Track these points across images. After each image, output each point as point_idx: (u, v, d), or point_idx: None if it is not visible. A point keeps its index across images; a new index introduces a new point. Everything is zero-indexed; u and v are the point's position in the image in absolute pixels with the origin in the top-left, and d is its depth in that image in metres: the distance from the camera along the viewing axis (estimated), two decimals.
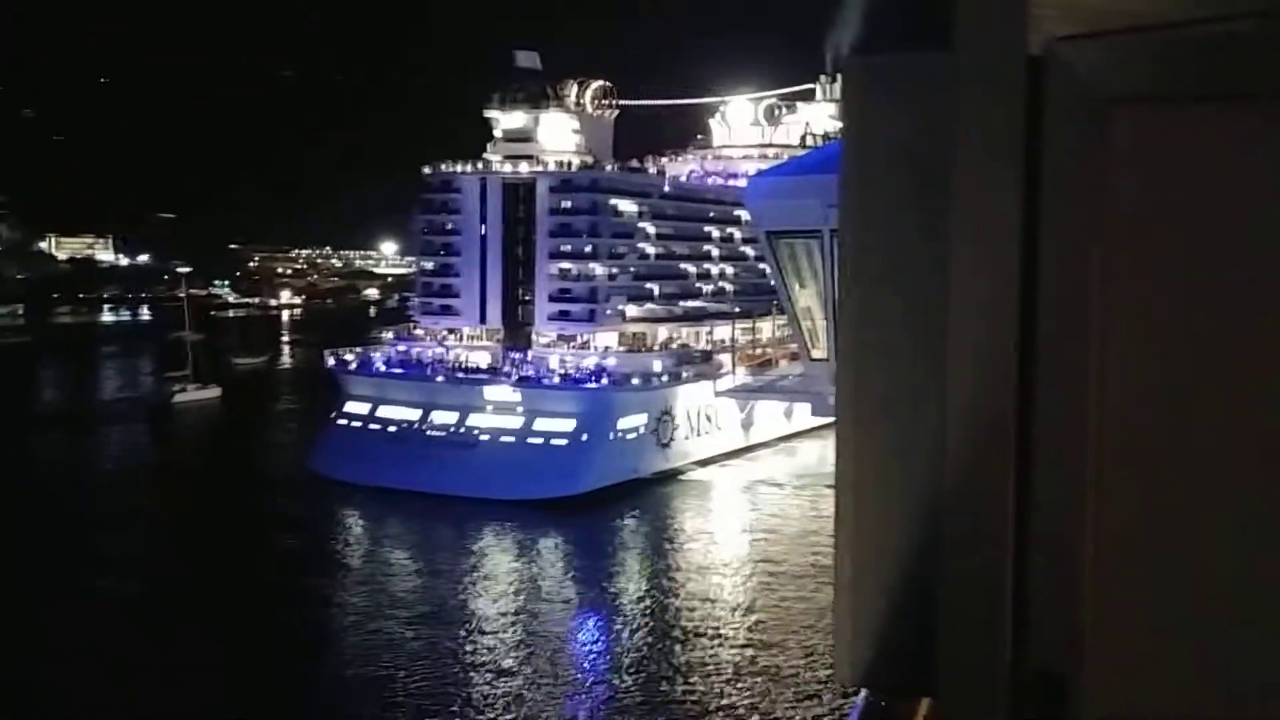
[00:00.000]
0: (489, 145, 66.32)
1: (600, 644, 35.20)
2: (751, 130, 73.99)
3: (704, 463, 59.90)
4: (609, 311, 61.48)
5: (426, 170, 65.22)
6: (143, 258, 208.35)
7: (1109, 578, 1.73)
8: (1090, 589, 1.74)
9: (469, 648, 33.84)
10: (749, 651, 33.53)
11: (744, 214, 61.07)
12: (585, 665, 33.24)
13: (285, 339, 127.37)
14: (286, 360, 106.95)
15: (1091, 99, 1.75)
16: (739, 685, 30.82)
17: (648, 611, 37.73)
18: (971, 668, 1.75)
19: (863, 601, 1.86)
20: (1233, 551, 1.70)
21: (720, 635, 34.68)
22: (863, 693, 2.08)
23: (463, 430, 55.47)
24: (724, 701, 30.06)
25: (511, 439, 54.61)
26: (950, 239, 1.75)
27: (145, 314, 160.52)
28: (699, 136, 77.55)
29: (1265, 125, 1.72)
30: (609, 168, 65.20)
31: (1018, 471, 1.74)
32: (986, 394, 1.74)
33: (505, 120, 66.43)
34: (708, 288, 68.17)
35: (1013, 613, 1.75)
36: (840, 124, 1.93)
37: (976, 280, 1.74)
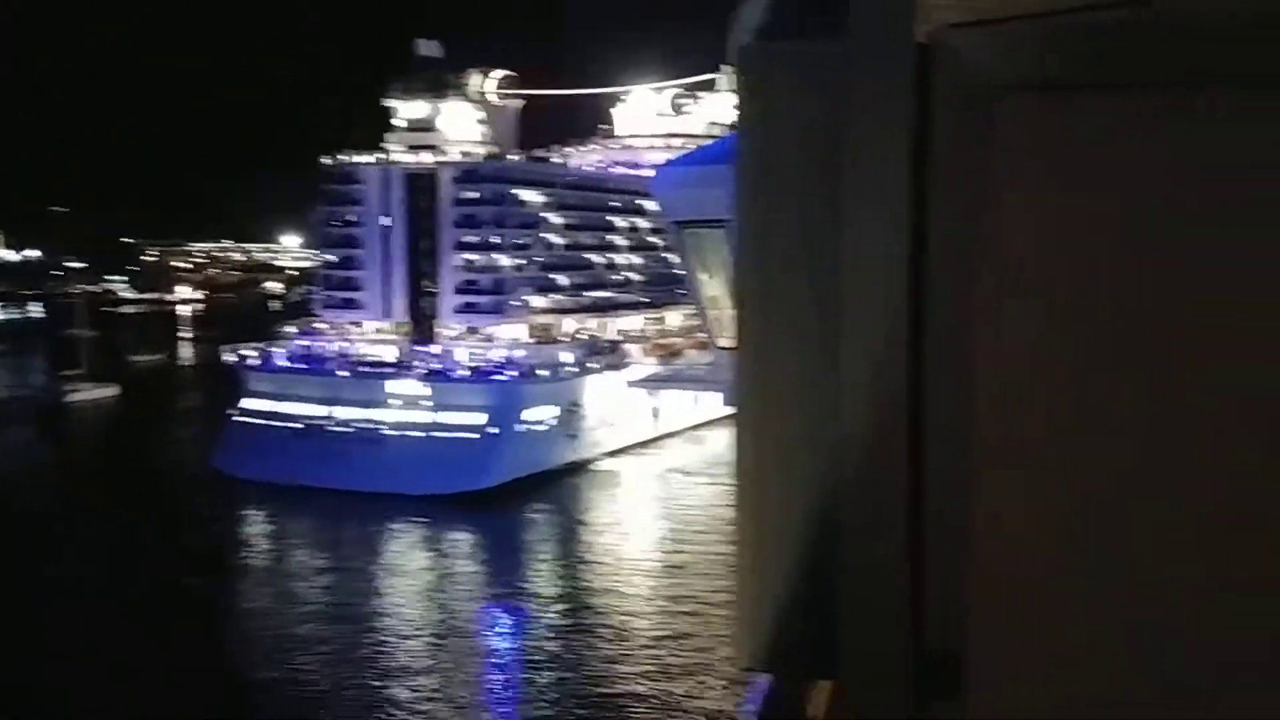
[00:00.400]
0: (390, 135, 65.34)
1: (510, 640, 35.02)
2: (657, 120, 74.20)
3: (614, 453, 60.04)
4: (515, 303, 61.16)
5: (326, 161, 64.00)
6: (33, 253, 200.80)
7: (997, 561, 1.77)
8: (980, 573, 1.77)
9: (377, 647, 33.41)
10: (663, 644, 33.71)
11: (650, 204, 61.29)
12: (495, 662, 33.03)
13: (185, 335, 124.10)
14: (186, 357, 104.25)
15: (979, 87, 1.78)
16: (651, 677, 30.95)
17: (559, 606, 37.69)
18: (871, 650, 1.77)
19: (763, 587, 1.87)
20: (1117, 537, 1.74)
21: (632, 628, 34.78)
22: (765, 677, 2.10)
23: (369, 425, 54.74)
24: (637, 693, 30.17)
25: (419, 433, 54.08)
26: (843, 228, 1.77)
27: (36, 311, 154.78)
28: (603, 126, 77.57)
29: (1150, 113, 1.76)
30: (514, 158, 64.82)
31: (911, 457, 1.76)
32: (880, 382, 1.76)
33: (406, 110, 65.51)
34: (615, 278, 68.26)
35: (911, 595, 1.77)
36: (738, 112, 1.93)
37: (868, 270, 1.75)
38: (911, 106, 1.73)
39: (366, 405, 55.38)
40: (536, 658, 32.98)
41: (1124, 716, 1.70)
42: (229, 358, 61.30)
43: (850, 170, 1.76)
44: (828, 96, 1.83)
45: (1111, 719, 1.71)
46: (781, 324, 1.86)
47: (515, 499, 50.33)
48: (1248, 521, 1.63)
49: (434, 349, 59.80)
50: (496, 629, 36.01)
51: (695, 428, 62.63)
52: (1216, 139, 1.73)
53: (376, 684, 30.81)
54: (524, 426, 55.19)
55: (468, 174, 61.51)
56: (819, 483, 1.83)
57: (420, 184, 61.91)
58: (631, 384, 58.51)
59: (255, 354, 61.06)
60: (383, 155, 63.94)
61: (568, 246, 65.04)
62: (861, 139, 1.76)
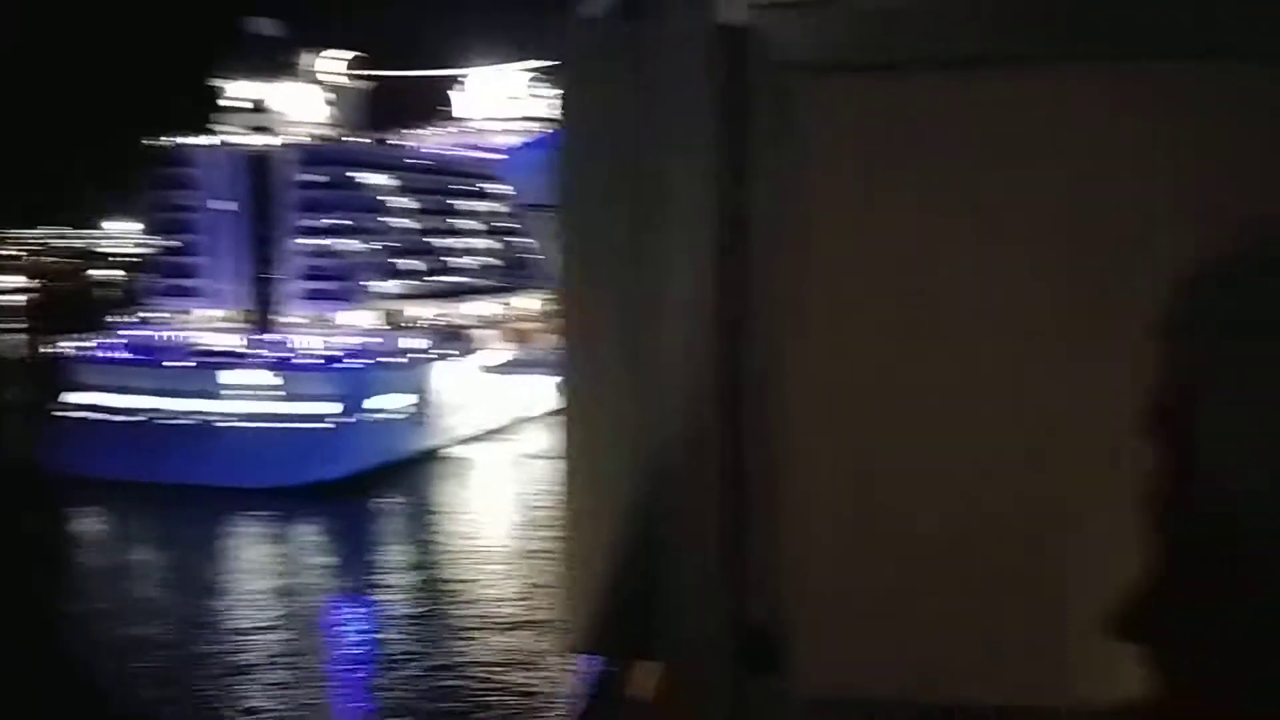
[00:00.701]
0: (228, 116, 62.92)
1: (361, 634, 34.30)
2: (509, 103, 73.48)
3: (468, 440, 59.47)
4: (363, 289, 59.86)
5: (158, 143, 61.26)
6: None
7: (817, 538, 1.80)
8: (800, 550, 1.80)
9: (220, 647, 32.30)
10: (518, 632, 33.54)
11: (502, 187, 60.67)
12: (344, 656, 32.29)
13: (17, 326, 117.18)
14: (18, 348, 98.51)
15: (786, 68, 1.80)
16: (507, 665, 30.75)
17: (411, 596, 37.12)
18: (691, 629, 1.78)
19: (590, 570, 1.86)
20: (930, 518, 1.79)
21: (487, 616, 34.50)
22: (593, 659, 2.09)
23: (210, 417, 52.78)
24: (495, 682, 29.96)
25: (265, 424, 52.40)
26: (660, 208, 1.77)
27: None
28: (451, 109, 76.42)
29: (952, 92, 1.81)
30: (359, 140, 63.30)
31: (728, 440, 1.78)
32: (696, 369, 1.77)
33: (245, 90, 63.20)
34: (467, 263, 67.47)
35: (730, 575, 1.79)
36: (560, 98, 1.91)
37: (681, 253, 1.75)
38: (720, 91, 1.74)
39: (208, 396, 53.39)
40: (388, 650, 32.44)
41: (940, 688, 1.76)
42: (60, 348, 58.18)
43: (665, 157, 1.76)
44: (645, 81, 1.82)
45: (930, 690, 1.76)
46: (605, 312, 1.85)
47: (366, 489, 49.33)
48: (1046, 510, 1.70)
49: (279, 337, 58.04)
50: (346, 623, 35.24)
51: (551, 413, 61.97)
52: (1019, 118, 1.79)
53: (218, 685, 29.79)
54: (373, 415, 54.11)
55: (311, 156, 59.75)
56: (641, 468, 1.83)
57: (261, 167, 59.87)
58: (484, 369, 57.94)
59: (88, 344, 58.13)
60: (220, 137, 61.59)
61: (417, 231, 63.94)
62: (673, 125, 1.75)
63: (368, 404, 53.57)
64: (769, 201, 1.77)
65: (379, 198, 61.51)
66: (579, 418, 1.88)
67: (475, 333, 63.17)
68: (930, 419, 1.79)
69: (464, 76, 75.34)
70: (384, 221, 61.56)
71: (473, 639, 33.15)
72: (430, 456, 55.30)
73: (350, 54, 66.61)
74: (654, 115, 1.77)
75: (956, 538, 1.76)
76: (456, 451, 56.69)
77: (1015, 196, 1.78)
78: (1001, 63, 1.80)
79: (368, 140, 64.59)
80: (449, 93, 76.35)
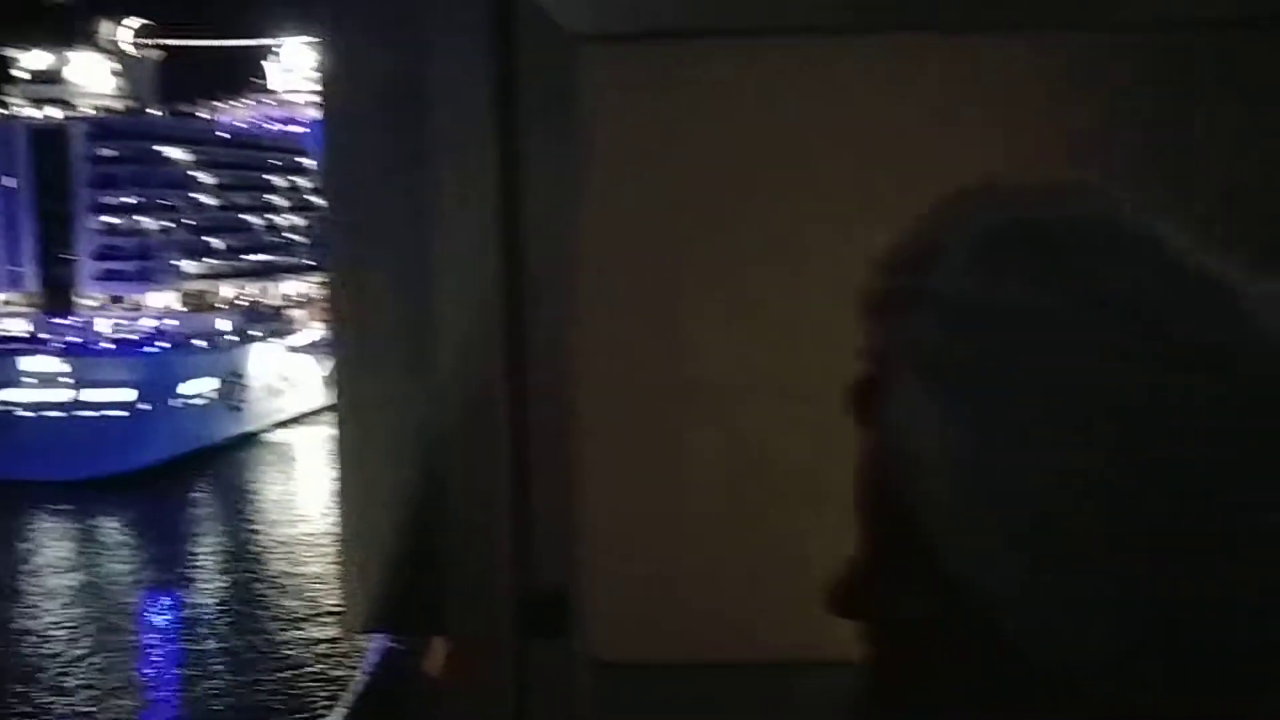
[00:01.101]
0: (9, 88, 58.71)
1: (170, 631, 32.77)
2: (314, 75, 70.93)
3: (285, 424, 57.44)
4: (165, 269, 57.03)
5: None
6: None
7: (603, 503, 1.82)
8: (587, 515, 1.81)
9: (16, 653, 30.36)
10: (334, 622, 32.59)
11: (311, 162, 58.71)
12: (152, 658, 30.79)
13: None
14: None
15: (564, 35, 1.79)
16: (324, 658, 29.88)
17: (224, 591, 35.66)
18: (475, 598, 1.77)
19: (369, 547, 1.82)
20: (717, 482, 1.83)
21: (303, 609, 33.40)
22: (379, 638, 2.06)
23: (10, 406, 49.37)
24: (312, 673, 29.13)
25: (59, 413, 49.31)
26: (435, 175, 1.73)
27: None
28: (256, 80, 73.49)
29: (729, 61, 1.84)
30: (155, 113, 60.11)
31: (511, 407, 1.77)
32: (476, 334, 1.74)
33: (38, 61, 59.06)
34: (276, 240, 65.10)
35: (517, 544, 1.78)
36: (321, 66, 1.84)
37: (458, 219, 1.73)
38: (496, 56, 1.71)
39: (7, 384, 49.90)
40: (201, 647, 31.12)
41: (723, 648, 1.80)
42: None
43: (440, 122, 1.72)
44: (419, 46, 1.77)
45: (713, 651, 1.80)
46: (379, 282, 1.80)
47: (174, 479, 47.02)
48: (812, 476, 1.75)
49: (73, 321, 54.73)
50: (155, 621, 33.61)
51: None
52: (796, 88, 1.83)
53: (16, 692, 28.01)
54: (180, 401, 51.63)
55: (104, 130, 56.33)
56: (422, 442, 1.80)
57: (49, 141, 56.12)
58: (299, 350, 56.09)
59: None
60: (8, 110, 57.44)
61: (222, 207, 61.20)
62: (449, 91, 1.71)
63: (172, 389, 51.07)
64: (546, 166, 1.76)
65: (181, 172, 58.60)
66: (353, 393, 1.83)
67: (289, 313, 61.08)
68: (710, 383, 1.82)
69: (278, 47, 72.52)
70: (187, 197, 58.72)
71: (287, 632, 32.07)
72: (246, 442, 53.19)
73: (143, 22, 63.07)
74: (429, 81, 1.73)
75: (735, 503, 1.81)
76: (274, 436, 54.72)
77: (789, 164, 1.82)
78: (779, 33, 1.83)
79: (166, 112, 61.36)
80: (263, 64, 73.45)
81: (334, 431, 1.87)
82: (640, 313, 1.84)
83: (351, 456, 1.84)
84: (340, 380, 1.86)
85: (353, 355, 1.84)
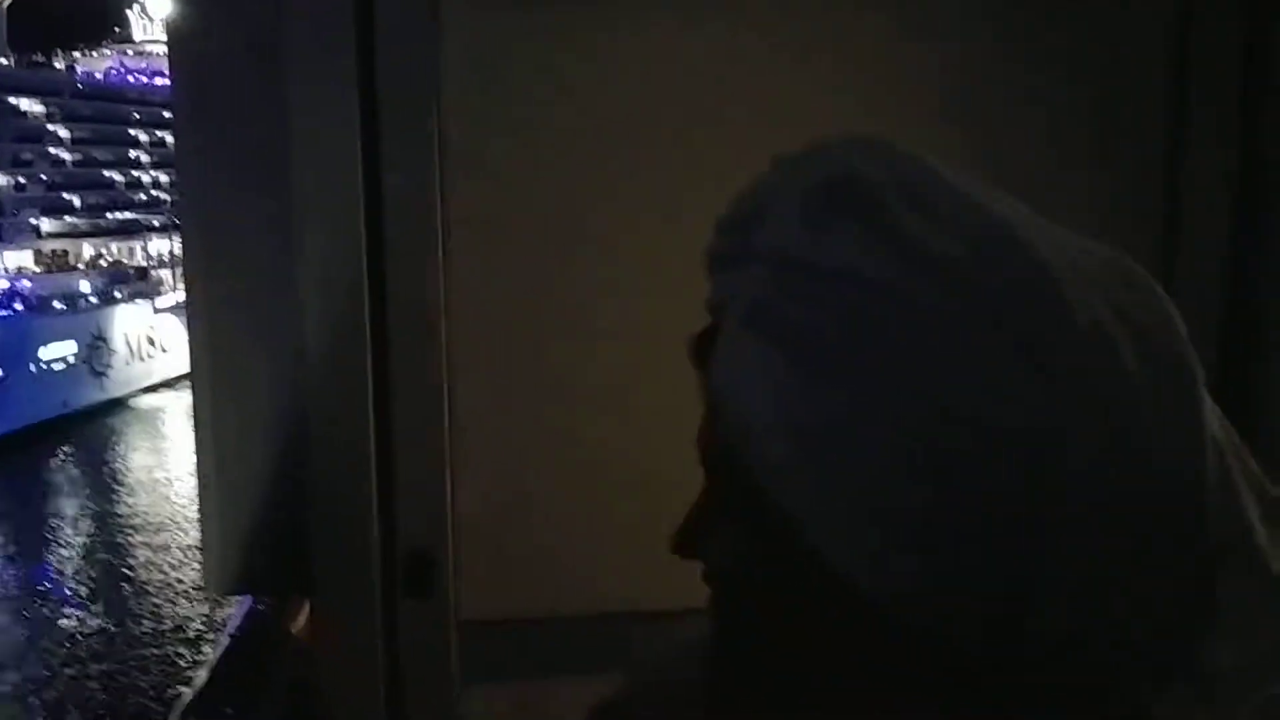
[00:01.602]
0: None
1: (31, 611, 31.30)
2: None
3: (152, 388, 55.46)
4: (20, 227, 54.27)
5: None
6: None
7: (471, 464, 1.83)
8: (455, 476, 1.82)
9: None
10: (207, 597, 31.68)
11: None
12: (8, 639, 29.39)
13: None
14: None
15: None
16: (203, 635, 28.97)
17: (90, 567, 34.27)
18: (340, 558, 1.77)
19: (229, 506, 1.80)
20: (585, 442, 1.85)
21: (177, 582, 32.28)
22: (244, 600, 2.04)
23: None
24: (184, 654, 28.23)
25: None
26: (293, 132, 1.70)
27: None
28: (117, 30, 70.12)
29: (581, 19, 1.83)
30: (4, 62, 56.90)
31: (376, 363, 1.76)
32: (339, 287, 1.73)
33: None
34: (140, 198, 62.49)
35: (380, 502, 1.78)
36: (172, 14, 1.78)
37: (319, 179, 1.70)
38: (352, 18, 1.68)
39: None
40: (64, 624, 29.89)
41: (587, 602, 1.83)
42: None
43: (297, 69, 1.69)
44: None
45: (579, 604, 1.83)
46: (230, 245, 1.77)
47: (33, 449, 44.99)
48: (669, 426, 1.78)
49: None
50: (12, 600, 32.10)
51: None
52: (644, 47, 1.83)
53: None
54: (37, 365, 49.38)
55: None
56: (279, 393, 1.78)
57: None
58: (169, 311, 54.12)
59: None
60: None
61: (80, 163, 58.42)
62: (305, 39, 1.68)
63: (28, 354, 48.79)
64: (410, 123, 1.75)
65: (35, 126, 55.68)
66: (212, 353, 1.80)
67: (156, 273, 58.85)
68: (574, 336, 1.84)
69: None
70: (43, 151, 55.85)
71: (161, 609, 30.89)
72: (108, 408, 51.21)
73: None
74: (285, 34, 1.69)
75: (597, 457, 1.83)
76: (140, 401, 52.78)
77: (658, 124, 1.83)
78: None
79: (15, 62, 58.14)
80: (126, 12, 70.02)
81: (191, 392, 1.83)
82: (507, 277, 1.85)
83: (209, 418, 1.80)
84: (195, 340, 1.82)
85: (208, 314, 1.80)
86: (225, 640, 2.00)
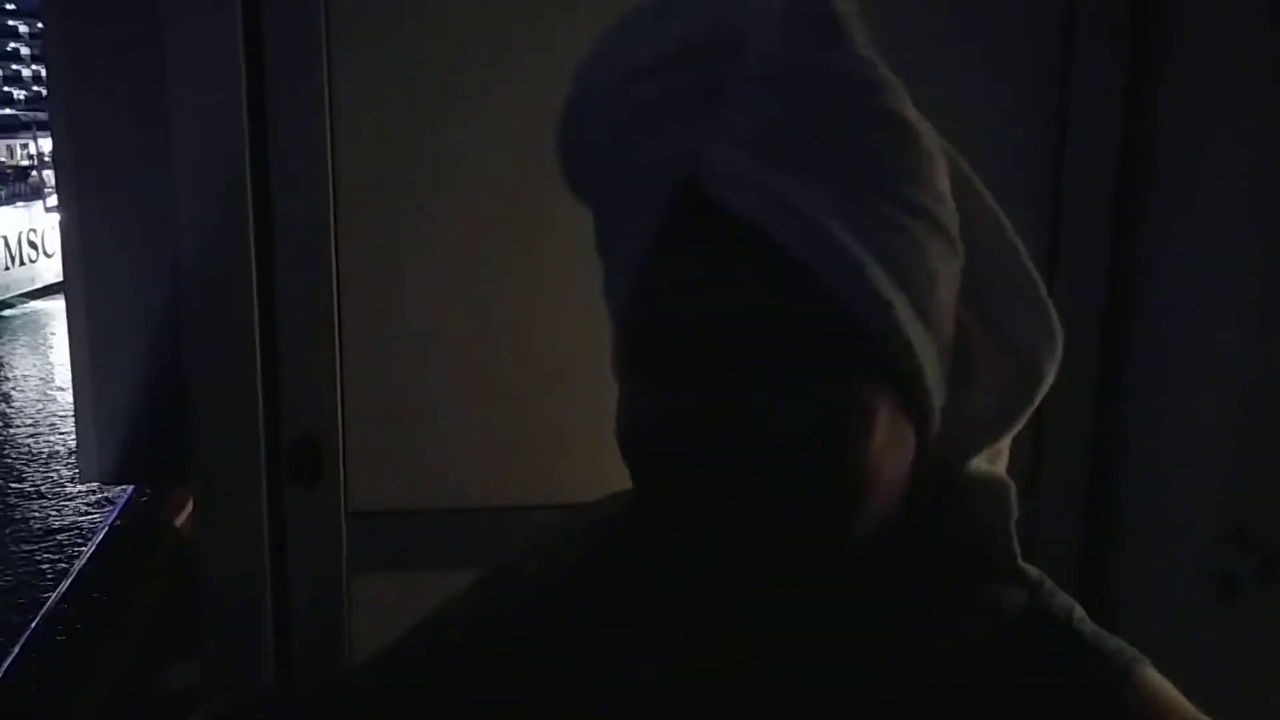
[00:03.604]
0: None
1: None
2: None
3: (38, 293, 53.27)
4: None
5: None
6: None
7: (361, 348, 1.79)
8: (343, 361, 1.78)
9: None
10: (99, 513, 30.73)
11: None
12: None
13: None
14: None
15: None
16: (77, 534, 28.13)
17: None
18: (221, 447, 1.73)
19: (105, 394, 1.74)
20: (452, 329, 1.82)
21: (62, 502, 31.19)
22: (127, 489, 1.99)
23: None
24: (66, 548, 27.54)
25: None
26: (166, 42, 1.61)
27: None
28: None
29: None
30: None
31: (260, 247, 1.70)
32: (218, 176, 1.66)
33: None
34: (20, 94, 59.44)
35: (264, 386, 1.74)
36: None
37: (198, 72, 1.62)
38: None
39: None
40: None
41: (470, 495, 1.83)
42: None
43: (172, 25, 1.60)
44: None
45: (461, 497, 1.83)
46: (103, 135, 1.69)
47: None
48: (540, 329, 1.77)
49: None
50: None
51: None
52: None
53: None
54: None
55: None
56: (162, 291, 1.72)
57: None
58: (50, 210, 51.84)
59: None
60: None
61: None
62: None
63: None
64: (291, 26, 1.68)
65: None
66: (85, 241, 1.73)
67: (39, 174, 56.21)
68: (451, 238, 1.80)
69: None
70: None
71: (43, 506, 29.92)
72: None
73: None
74: None
75: (481, 354, 1.82)
76: (24, 308, 50.77)
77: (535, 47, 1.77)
78: None
79: None
80: None
81: (64, 277, 1.76)
82: (402, 165, 1.80)
83: (83, 301, 1.74)
84: (67, 232, 1.74)
85: (80, 195, 1.72)
86: (104, 529, 1.95)
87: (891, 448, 0.61)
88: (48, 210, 52.28)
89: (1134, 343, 1.79)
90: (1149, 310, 1.76)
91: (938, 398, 0.64)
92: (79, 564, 1.85)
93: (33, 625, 1.66)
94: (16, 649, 1.61)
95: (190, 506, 1.88)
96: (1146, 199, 1.77)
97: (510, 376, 1.80)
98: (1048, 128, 1.79)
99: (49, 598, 1.78)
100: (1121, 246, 1.79)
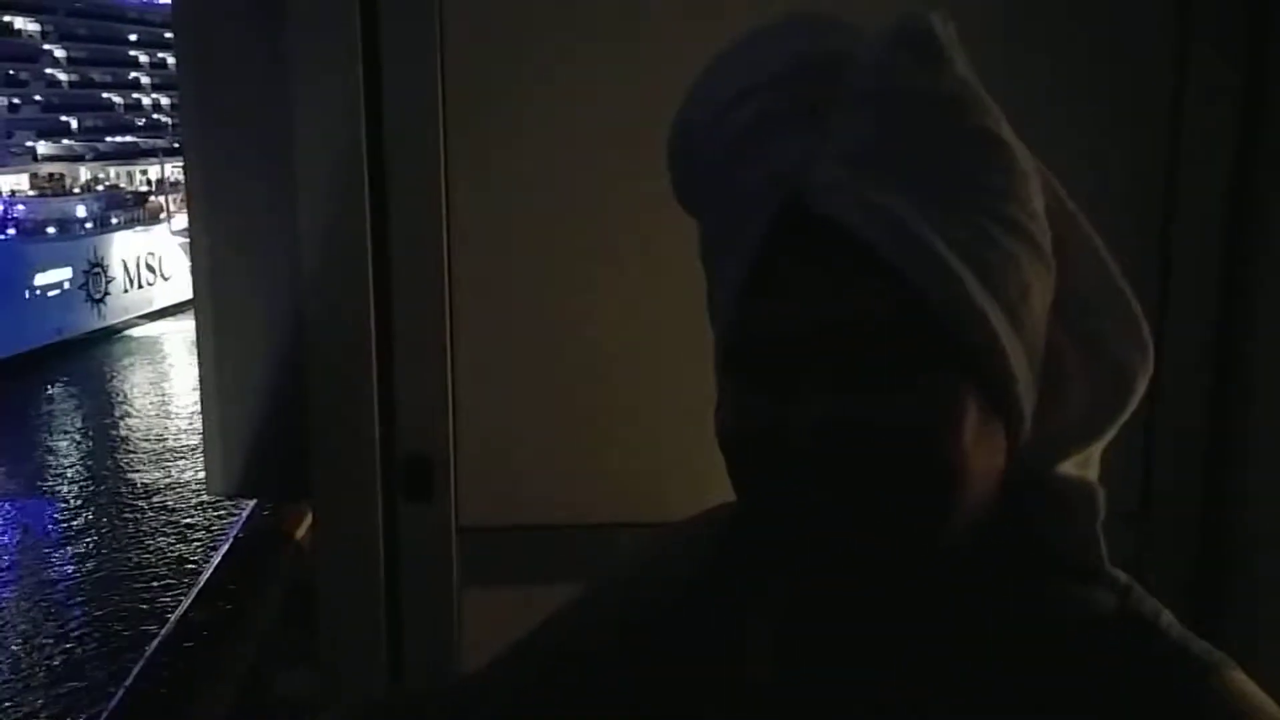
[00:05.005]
0: None
1: (33, 541, 31.20)
2: None
3: (152, 316, 55.22)
4: (15, 150, 53.82)
5: None
6: None
7: (473, 368, 1.84)
8: (456, 380, 1.84)
9: None
10: (213, 530, 31.46)
11: None
12: (9, 572, 29.34)
13: None
14: None
15: None
16: (199, 568, 28.84)
17: (93, 499, 34.06)
18: (338, 462, 1.79)
19: (232, 409, 1.82)
20: (569, 352, 1.86)
21: (178, 517, 32.02)
22: (250, 503, 2.07)
23: None
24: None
25: None
26: (290, 50, 1.69)
27: None
28: None
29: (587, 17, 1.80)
30: None
31: (377, 272, 1.77)
32: (340, 202, 1.73)
33: None
34: (139, 120, 61.90)
35: (381, 408, 1.80)
36: None
37: (320, 99, 1.69)
38: None
39: None
40: (62, 554, 29.80)
41: (581, 513, 1.86)
42: None
43: (296, 26, 1.68)
44: None
45: (573, 514, 1.86)
46: (229, 142, 1.77)
47: (27, 375, 44.64)
48: (658, 351, 1.79)
49: None
50: (12, 531, 31.91)
51: None
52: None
53: None
54: (32, 292, 49.08)
55: None
56: (281, 297, 1.79)
57: None
58: (171, 237, 53.76)
59: None
60: None
61: (78, 84, 57.79)
62: None
63: (22, 279, 48.50)
64: (411, 42, 1.74)
65: (31, 45, 55.00)
66: (212, 264, 1.81)
67: (156, 199, 58.43)
68: (560, 261, 1.84)
69: None
70: (38, 71, 55.24)
71: (160, 541, 30.65)
72: (106, 336, 51.06)
73: None
74: None
75: (590, 374, 1.85)
76: (139, 330, 52.53)
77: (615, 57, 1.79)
78: None
79: None
80: None
81: (195, 298, 1.85)
82: (506, 184, 1.84)
83: (211, 323, 1.82)
84: (198, 252, 1.83)
85: (209, 221, 1.81)
86: (227, 543, 2.03)
87: (982, 446, 0.64)
88: (173, 233, 54.16)
89: (1253, 353, 1.75)
90: (1273, 320, 1.72)
91: (1028, 403, 0.66)
92: (204, 575, 1.93)
93: (163, 632, 1.73)
94: (147, 654, 1.68)
95: (308, 520, 1.94)
96: (1266, 207, 1.73)
97: (618, 395, 1.83)
98: (1160, 126, 1.77)
99: (178, 606, 1.85)
100: (1235, 256, 1.75)
